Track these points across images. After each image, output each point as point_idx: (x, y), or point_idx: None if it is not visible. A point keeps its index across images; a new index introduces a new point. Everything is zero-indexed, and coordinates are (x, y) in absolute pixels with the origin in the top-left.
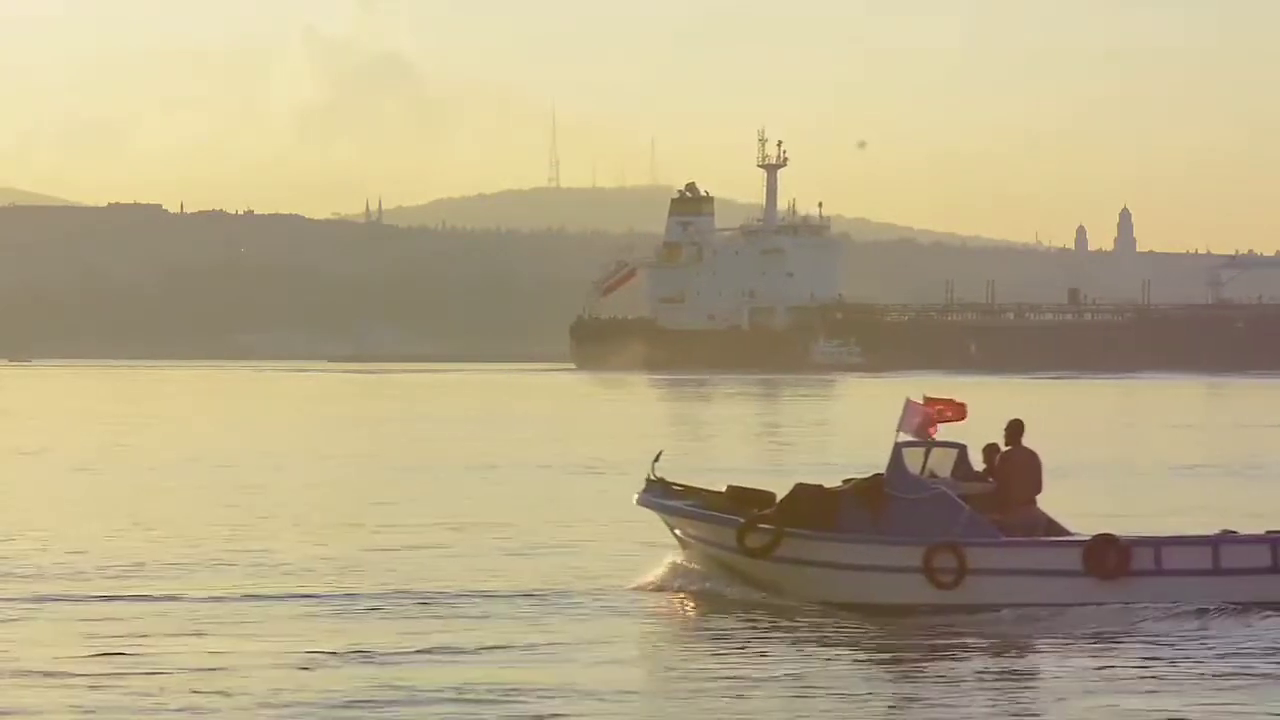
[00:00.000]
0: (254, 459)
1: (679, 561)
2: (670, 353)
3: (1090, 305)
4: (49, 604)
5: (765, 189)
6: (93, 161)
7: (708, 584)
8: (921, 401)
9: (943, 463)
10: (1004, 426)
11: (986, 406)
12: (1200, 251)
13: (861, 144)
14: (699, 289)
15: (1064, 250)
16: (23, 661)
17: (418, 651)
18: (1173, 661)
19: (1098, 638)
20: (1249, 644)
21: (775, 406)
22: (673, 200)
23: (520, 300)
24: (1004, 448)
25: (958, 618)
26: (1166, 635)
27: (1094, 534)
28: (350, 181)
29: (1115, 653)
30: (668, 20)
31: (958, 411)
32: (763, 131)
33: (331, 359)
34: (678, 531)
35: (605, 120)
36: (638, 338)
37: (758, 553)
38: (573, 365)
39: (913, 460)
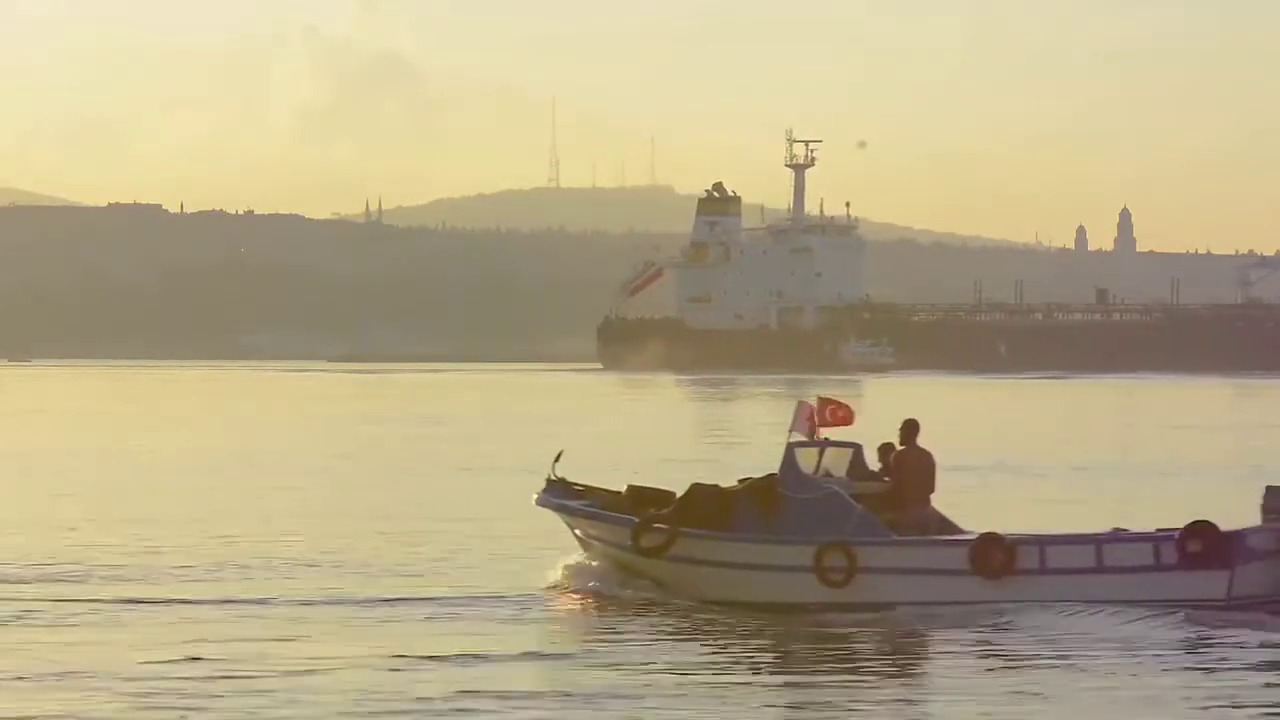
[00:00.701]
0: (291, 460)
1: (579, 562)
2: (698, 353)
3: (1119, 305)
4: (132, 607)
5: (793, 189)
6: (93, 161)
7: (606, 584)
8: (814, 402)
9: (838, 462)
10: (899, 426)
11: (1005, 406)
12: (1201, 251)
13: (861, 144)
14: (726, 289)
15: (1064, 250)
16: (111, 665)
17: (517, 656)
18: (1056, 659)
19: (982, 636)
20: (1128, 641)
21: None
22: (700, 200)
23: (520, 300)
24: (899, 447)
25: (848, 616)
26: (1049, 633)
27: (980, 533)
28: (350, 181)
29: (999, 650)
30: (668, 20)
31: (846, 415)
32: (790, 132)
33: (331, 359)
34: (577, 532)
35: (605, 120)
36: (665, 338)
37: (652, 552)
38: (599, 365)
39: (807, 460)
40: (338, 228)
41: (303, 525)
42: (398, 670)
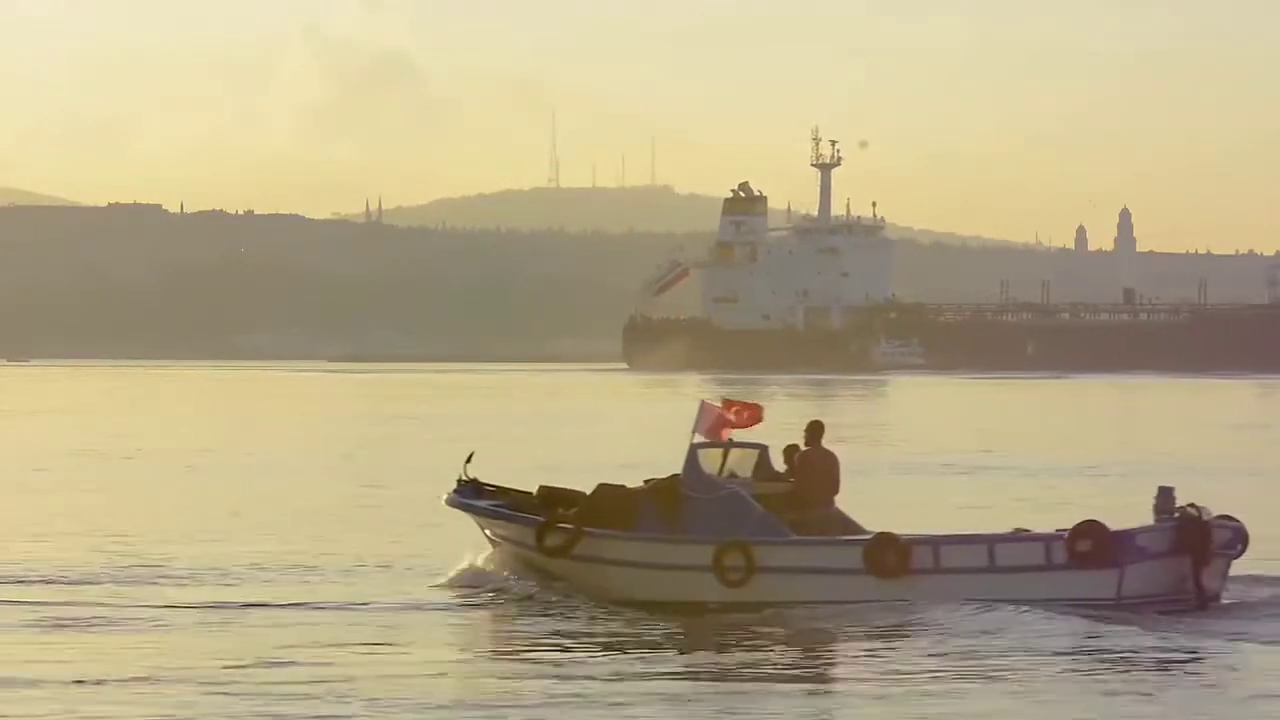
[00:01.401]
0: (337, 462)
1: (486, 561)
2: (724, 353)
3: (1146, 305)
4: (209, 610)
5: (819, 188)
6: (93, 161)
7: (512, 582)
8: (719, 404)
9: (744, 463)
10: (804, 427)
11: (1033, 407)
12: (1200, 252)
13: (862, 144)
14: (753, 289)
15: (1064, 250)
16: (192, 669)
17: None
18: (949, 658)
19: (876, 635)
20: (1020, 641)
21: (841, 407)
22: (725, 200)
23: (520, 300)
24: (804, 448)
25: (745, 616)
26: (942, 633)
27: (876, 532)
28: (350, 181)
29: (892, 649)
30: (669, 20)
31: (753, 415)
32: (816, 130)
33: (331, 359)
34: (487, 532)
35: (605, 120)
36: (691, 338)
37: (555, 552)
38: (624, 365)
39: (711, 461)
40: (338, 228)
41: (356, 526)
42: (479, 673)
